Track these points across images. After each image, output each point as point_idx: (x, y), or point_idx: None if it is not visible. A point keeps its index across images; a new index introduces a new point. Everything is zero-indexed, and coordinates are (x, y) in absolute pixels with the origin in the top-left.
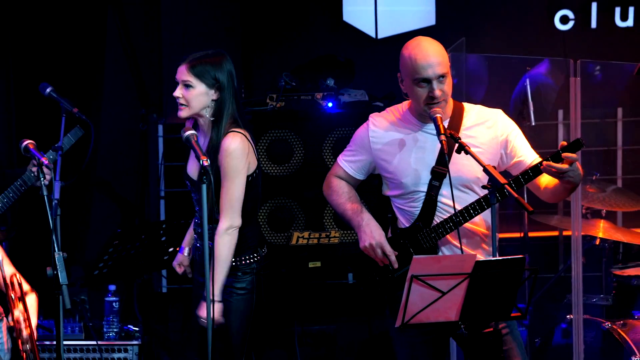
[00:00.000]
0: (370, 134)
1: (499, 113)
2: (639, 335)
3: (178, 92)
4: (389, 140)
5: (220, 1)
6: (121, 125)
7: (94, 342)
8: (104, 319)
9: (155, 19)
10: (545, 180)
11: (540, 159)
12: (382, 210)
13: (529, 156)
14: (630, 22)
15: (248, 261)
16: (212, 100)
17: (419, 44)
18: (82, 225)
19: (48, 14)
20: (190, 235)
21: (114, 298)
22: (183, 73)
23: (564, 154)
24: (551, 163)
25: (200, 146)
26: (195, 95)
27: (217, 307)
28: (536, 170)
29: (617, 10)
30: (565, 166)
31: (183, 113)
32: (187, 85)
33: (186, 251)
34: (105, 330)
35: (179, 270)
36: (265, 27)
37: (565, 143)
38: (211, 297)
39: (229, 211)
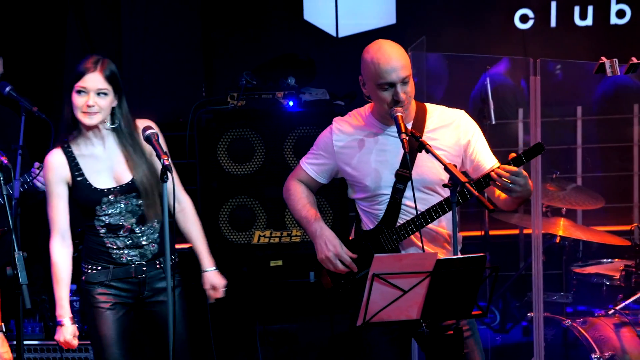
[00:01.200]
0: (334, 137)
1: (462, 115)
2: (599, 332)
3: (92, 101)
4: (352, 143)
5: (180, 1)
6: None
7: (54, 342)
8: None
9: (115, 18)
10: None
11: (498, 164)
12: (343, 210)
13: (488, 161)
14: (589, 21)
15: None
16: (112, 107)
17: (380, 47)
18: (42, 224)
19: (8, 12)
20: (66, 299)
21: (74, 297)
22: (99, 81)
23: (505, 167)
24: (499, 171)
25: (161, 145)
26: (109, 103)
27: (216, 273)
28: (482, 182)
29: (577, 9)
30: (507, 181)
31: (95, 120)
32: (103, 94)
33: (69, 320)
34: None
35: (75, 343)
36: (225, 26)
37: (514, 155)
38: (209, 267)
39: (181, 185)
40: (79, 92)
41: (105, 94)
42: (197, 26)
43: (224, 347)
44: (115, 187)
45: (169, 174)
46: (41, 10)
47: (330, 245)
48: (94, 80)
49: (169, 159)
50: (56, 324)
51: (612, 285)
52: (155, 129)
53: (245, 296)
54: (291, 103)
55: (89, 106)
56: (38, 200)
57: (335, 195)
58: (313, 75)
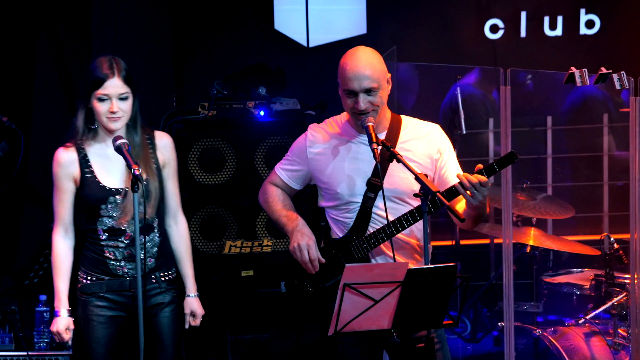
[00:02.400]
0: (308, 144)
1: (436, 129)
2: (570, 342)
3: (116, 107)
4: (326, 150)
5: (150, 10)
6: (52, 134)
7: (25, 353)
8: (34, 329)
9: (85, 27)
10: (460, 206)
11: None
12: (315, 219)
13: (454, 177)
14: (559, 32)
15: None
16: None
17: (354, 54)
18: (12, 234)
19: None
20: (65, 291)
21: (45, 308)
22: (119, 86)
23: (476, 176)
24: (464, 176)
25: (131, 155)
26: (130, 105)
27: (197, 301)
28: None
29: (546, 19)
30: (475, 179)
31: (120, 124)
32: (124, 98)
33: (66, 312)
34: (35, 340)
35: (67, 336)
36: (196, 36)
37: (481, 166)
38: (192, 293)
39: (181, 205)
40: (100, 98)
41: (126, 97)
42: (167, 35)
43: (195, 357)
44: (125, 189)
45: (139, 184)
46: (10, 23)
47: (306, 237)
48: (114, 85)
49: (140, 169)
50: (54, 314)
51: (583, 295)
52: (170, 146)
53: (216, 306)
54: (262, 113)
55: (113, 112)
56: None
57: (306, 204)
58: (284, 85)
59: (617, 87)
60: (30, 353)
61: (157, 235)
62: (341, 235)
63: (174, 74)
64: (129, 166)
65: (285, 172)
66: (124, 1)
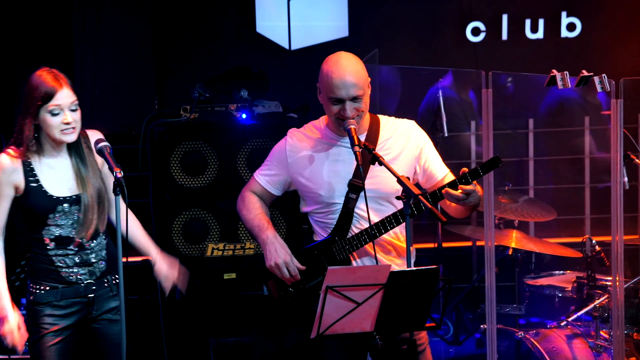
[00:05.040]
0: (288, 148)
1: (413, 125)
2: (552, 344)
3: (70, 118)
4: (306, 154)
5: (132, 13)
6: None
7: (6, 357)
8: None
9: (67, 31)
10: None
11: (451, 174)
12: (298, 223)
13: (440, 170)
14: (540, 34)
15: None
16: None
17: (337, 61)
18: None
19: None
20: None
21: (26, 311)
22: (70, 96)
23: (460, 187)
24: (449, 191)
25: (113, 158)
26: (80, 115)
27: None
28: (437, 195)
29: (528, 22)
30: (459, 194)
31: (75, 136)
32: (75, 107)
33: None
34: None
35: (13, 337)
36: (178, 39)
37: (466, 170)
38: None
39: None
40: (52, 111)
41: (76, 106)
42: (149, 38)
43: None
44: (72, 196)
45: (122, 187)
46: None
47: (280, 252)
48: (66, 96)
49: (122, 172)
50: None
51: (564, 297)
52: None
53: (199, 309)
54: (244, 115)
55: (67, 124)
56: None
57: (288, 208)
58: (266, 88)
59: (599, 89)
60: (12, 357)
61: (104, 237)
62: (325, 237)
63: (156, 77)
64: (111, 169)
65: (264, 177)
66: (105, 5)
